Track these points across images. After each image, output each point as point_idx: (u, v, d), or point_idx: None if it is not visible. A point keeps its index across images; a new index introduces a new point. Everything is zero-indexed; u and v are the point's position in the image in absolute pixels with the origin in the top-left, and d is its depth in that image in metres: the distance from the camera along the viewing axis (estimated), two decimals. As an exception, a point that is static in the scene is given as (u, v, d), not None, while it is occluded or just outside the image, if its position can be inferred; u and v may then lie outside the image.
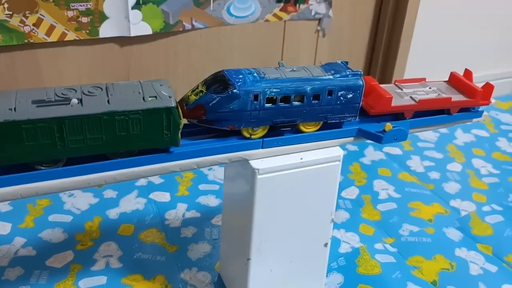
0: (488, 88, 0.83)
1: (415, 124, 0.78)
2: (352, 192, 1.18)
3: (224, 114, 0.65)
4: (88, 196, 1.10)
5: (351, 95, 0.70)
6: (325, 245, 0.80)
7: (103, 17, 1.10)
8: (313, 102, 0.68)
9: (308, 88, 0.67)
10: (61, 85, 1.13)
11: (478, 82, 1.70)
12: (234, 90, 0.64)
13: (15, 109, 0.54)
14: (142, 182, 1.16)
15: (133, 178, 0.63)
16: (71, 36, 1.08)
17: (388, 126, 0.73)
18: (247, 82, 0.65)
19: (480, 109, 0.84)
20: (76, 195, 1.10)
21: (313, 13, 1.35)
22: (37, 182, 0.58)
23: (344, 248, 0.99)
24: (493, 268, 0.96)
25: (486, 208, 1.14)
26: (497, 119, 1.60)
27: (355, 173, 1.25)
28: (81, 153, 0.59)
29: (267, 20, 1.30)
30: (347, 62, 0.74)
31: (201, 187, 1.16)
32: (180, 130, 0.62)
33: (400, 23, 1.44)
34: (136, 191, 1.12)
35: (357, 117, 0.73)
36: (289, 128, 0.70)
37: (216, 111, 0.64)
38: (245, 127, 0.67)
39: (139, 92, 0.60)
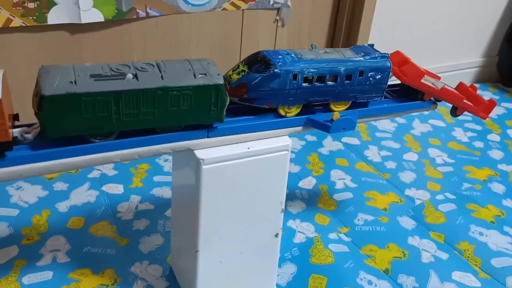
0: (491, 103, 0.88)
1: (364, 114, 0.78)
2: (309, 182, 1.18)
3: (264, 92, 0.68)
4: (37, 188, 1.06)
5: (379, 76, 0.75)
6: (276, 235, 0.79)
7: (51, 3, 1.05)
8: (345, 82, 0.73)
9: (342, 69, 0.71)
10: (9, 72, 1.09)
11: (436, 73, 1.72)
12: (276, 70, 0.67)
13: (75, 82, 0.56)
14: (94, 174, 1.12)
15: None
16: (17, 22, 1.04)
17: (336, 115, 0.72)
18: (287, 62, 0.68)
19: (430, 100, 0.84)
20: (24, 188, 1.06)
21: (271, 2, 1.34)
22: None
23: (298, 238, 0.98)
24: (444, 256, 0.97)
25: (439, 197, 1.15)
26: (454, 110, 1.62)
27: (313, 163, 1.25)
28: (134, 127, 0.61)
29: (224, 9, 1.28)
30: (373, 45, 0.79)
31: (156, 178, 1.13)
32: (226, 107, 0.64)
33: (359, 12, 1.44)
34: (88, 183, 1.09)
35: (383, 97, 0.78)
36: (322, 107, 0.75)
37: (257, 89, 0.68)
38: (282, 106, 0.71)
39: (189, 69, 0.62)
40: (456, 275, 0.92)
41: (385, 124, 1.48)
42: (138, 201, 1.05)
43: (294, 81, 0.69)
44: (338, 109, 0.76)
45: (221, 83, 0.63)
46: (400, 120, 1.52)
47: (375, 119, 0.82)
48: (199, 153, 0.66)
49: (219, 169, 0.68)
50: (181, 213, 0.79)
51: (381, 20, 1.50)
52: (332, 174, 1.22)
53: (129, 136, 0.62)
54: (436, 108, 0.87)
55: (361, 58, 0.74)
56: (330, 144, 1.35)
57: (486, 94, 1.78)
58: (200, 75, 0.62)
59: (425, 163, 1.30)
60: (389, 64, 0.75)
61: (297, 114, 0.73)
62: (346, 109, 0.77)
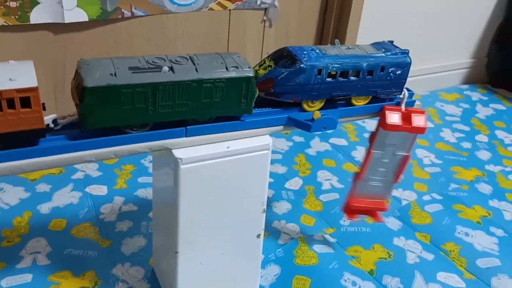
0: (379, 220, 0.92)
1: (346, 113, 0.77)
2: (295, 183, 1.17)
3: (290, 87, 0.70)
4: (19, 190, 1.04)
5: (399, 72, 0.77)
6: (258, 236, 0.78)
7: (33, 2, 1.04)
8: (367, 77, 0.74)
9: (365, 64, 0.73)
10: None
11: (426, 74, 1.71)
12: (302, 65, 0.69)
13: (115, 74, 0.58)
14: (78, 175, 1.11)
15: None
16: (-2, 21, 1.03)
17: (317, 114, 0.72)
18: (312, 58, 0.70)
19: (412, 99, 0.84)
20: (5, 189, 1.04)
21: (258, 2, 1.33)
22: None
23: (283, 239, 0.98)
24: (429, 256, 0.96)
25: (426, 197, 1.15)
26: (442, 111, 1.62)
27: (300, 164, 1.24)
28: (168, 118, 0.63)
29: (211, 9, 1.27)
30: (392, 41, 0.81)
31: (141, 179, 1.12)
32: (255, 100, 0.67)
33: (347, 13, 1.44)
34: (72, 184, 1.08)
35: (402, 93, 0.80)
36: (344, 102, 0.77)
37: (284, 84, 0.70)
38: (306, 100, 0.73)
39: (222, 62, 0.64)
40: (441, 276, 0.92)
41: (373, 125, 1.47)
42: (121, 203, 1.04)
43: (318, 76, 0.71)
44: (359, 104, 0.78)
45: (252, 75, 0.64)
46: (389, 121, 1.51)
47: (358, 119, 0.81)
48: (177, 153, 0.65)
49: (198, 168, 0.67)
50: (162, 213, 0.78)
51: (369, 21, 1.50)
52: (319, 174, 1.21)
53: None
54: (419, 107, 0.86)
55: (383, 54, 0.76)
56: (317, 145, 1.35)
57: (475, 95, 1.78)
58: (232, 68, 0.64)
59: (412, 163, 1.29)
60: (409, 60, 0.77)
61: (320, 109, 0.75)
62: (367, 103, 0.79)
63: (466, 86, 1.85)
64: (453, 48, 1.80)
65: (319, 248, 0.95)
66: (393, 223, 1.05)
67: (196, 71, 0.62)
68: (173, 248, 0.72)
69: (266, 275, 0.88)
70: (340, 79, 0.73)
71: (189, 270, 0.75)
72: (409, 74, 1.94)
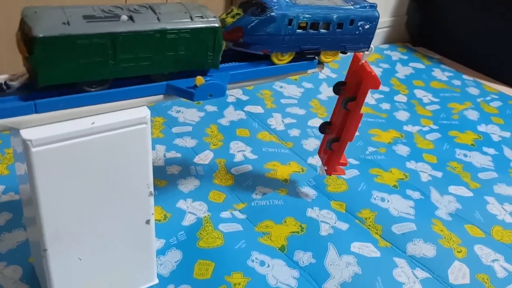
0: (341, 171, 0.93)
1: (237, 78, 0.68)
2: (206, 157, 1.08)
3: (260, 37, 0.67)
4: None
5: (368, 26, 0.74)
6: (147, 222, 0.69)
7: None
8: (337, 30, 0.72)
9: (335, 16, 0.70)
10: None
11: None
12: (272, 13, 0.66)
13: (68, 23, 0.51)
14: (-50, 163, 0.96)
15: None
16: None
17: (199, 80, 0.62)
18: (282, 6, 0.67)
19: (314, 60, 0.76)
20: None
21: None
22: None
23: (188, 220, 0.89)
24: (344, 226, 0.91)
25: (343, 163, 1.10)
26: (362, 72, 1.57)
27: (211, 136, 1.15)
28: (130, 74, 0.57)
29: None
30: None
31: (26, 164, 0.99)
32: (221, 53, 0.62)
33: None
34: None
35: (369, 48, 0.77)
36: (313, 56, 0.74)
37: (253, 33, 0.66)
38: (276, 52, 0.70)
39: (185, 12, 0.59)
40: (355, 246, 0.87)
41: (291, 90, 1.40)
42: (0, 192, 0.90)
43: (289, 27, 0.68)
44: (327, 60, 0.76)
45: (219, 26, 0.60)
46: (307, 85, 1.44)
47: (253, 83, 0.72)
48: (26, 133, 0.54)
49: (55, 151, 0.56)
50: (27, 204, 0.66)
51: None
52: (232, 146, 1.12)
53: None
54: (323, 69, 0.79)
55: (352, 7, 0.73)
56: (231, 114, 1.25)
57: (395, 55, 1.74)
58: (197, 18, 0.59)
59: (330, 128, 1.23)
60: (377, 14, 0.75)
61: (290, 61, 0.72)
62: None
63: (386, 46, 1.81)
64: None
65: (226, 227, 0.87)
66: (307, 192, 0.99)
67: (158, 20, 0.56)
68: (41, 245, 0.62)
69: (166, 262, 0.79)
70: (311, 31, 0.70)
71: (66, 268, 0.65)
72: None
